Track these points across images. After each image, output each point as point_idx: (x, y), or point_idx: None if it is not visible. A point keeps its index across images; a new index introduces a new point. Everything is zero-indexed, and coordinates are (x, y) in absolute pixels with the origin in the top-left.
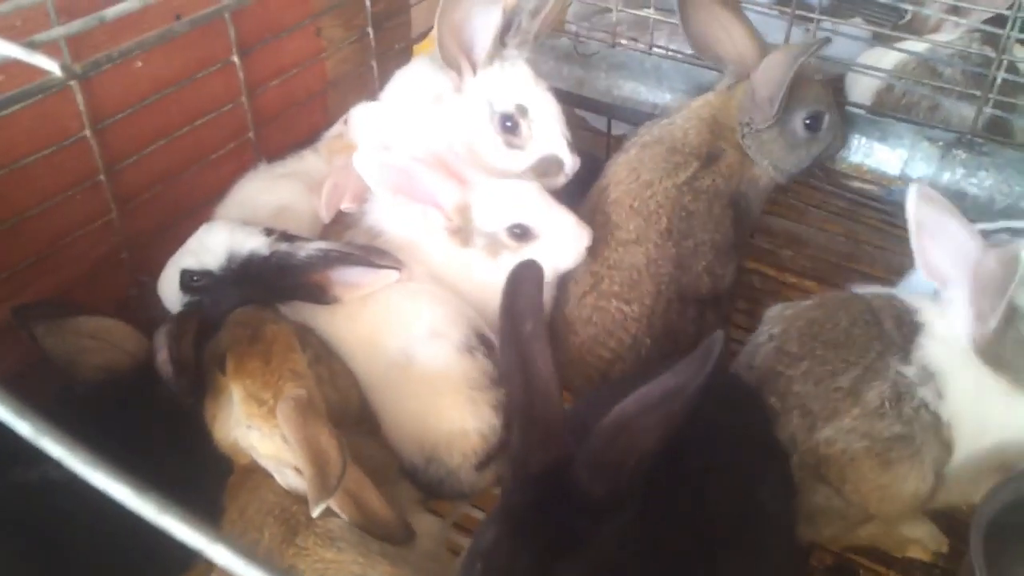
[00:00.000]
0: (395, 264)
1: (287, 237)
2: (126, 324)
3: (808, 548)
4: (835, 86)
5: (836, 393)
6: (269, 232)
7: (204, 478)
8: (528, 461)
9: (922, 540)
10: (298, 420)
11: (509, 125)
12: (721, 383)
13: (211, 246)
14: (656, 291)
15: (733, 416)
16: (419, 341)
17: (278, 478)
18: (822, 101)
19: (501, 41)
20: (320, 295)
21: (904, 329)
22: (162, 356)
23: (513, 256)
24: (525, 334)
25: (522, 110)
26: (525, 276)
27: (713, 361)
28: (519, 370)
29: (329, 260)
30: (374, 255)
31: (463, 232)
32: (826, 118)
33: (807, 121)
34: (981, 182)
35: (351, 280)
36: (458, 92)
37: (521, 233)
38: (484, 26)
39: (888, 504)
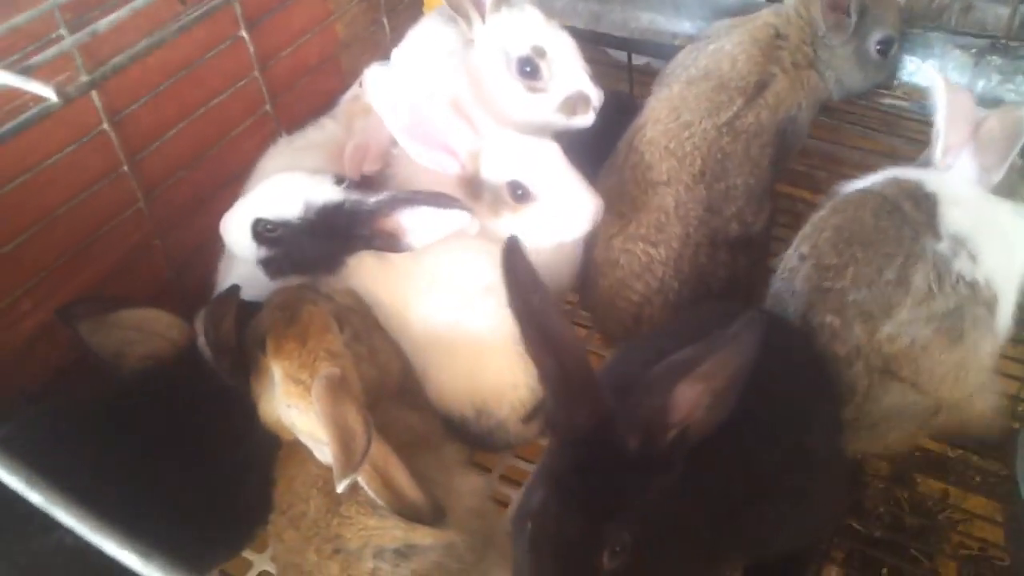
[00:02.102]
0: (464, 206)
1: (357, 184)
2: (167, 313)
3: (859, 463)
4: None
5: (887, 287)
6: (339, 180)
7: (255, 454)
8: (567, 424)
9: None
10: (329, 397)
11: (528, 70)
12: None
13: (286, 195)
14: (684, 234)
15: (779, 360)
16: (473, 297)
17: (316, 453)
18: (897, 28)
19: None
20: (393, 243)
21: (923, 206)
22: (202, 340)
23: (513, 217)
24: (535, 305)
25: (539, 51)
26: (514, 251)
27: (759, 339)
28: (542, 339)
29: (396, 202)
30: (442, 199)
31: (473, 183)
32: (895, 46)
33: (879, 45)
34: (1018, 87)
35: (422, 225)
36: (469, 43)
37: (521, 193)
38: None
39: (963, 382)
